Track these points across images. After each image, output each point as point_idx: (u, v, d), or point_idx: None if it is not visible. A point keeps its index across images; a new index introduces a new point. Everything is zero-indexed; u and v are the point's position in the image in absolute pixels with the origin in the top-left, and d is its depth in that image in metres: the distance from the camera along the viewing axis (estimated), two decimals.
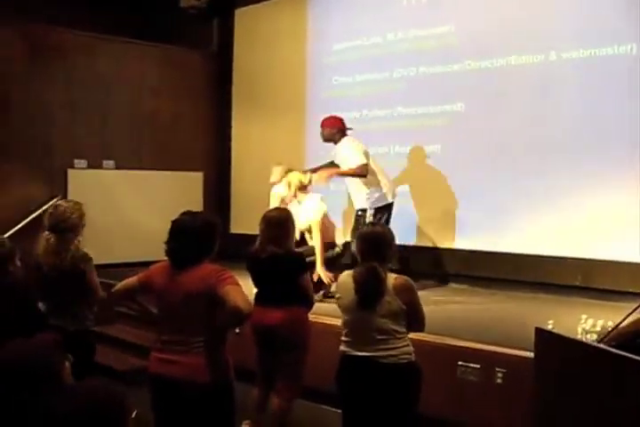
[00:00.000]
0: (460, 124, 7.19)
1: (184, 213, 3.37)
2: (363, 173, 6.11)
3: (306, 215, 5.76)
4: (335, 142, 6.39)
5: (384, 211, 6.30)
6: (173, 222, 3.33)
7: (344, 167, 6.21)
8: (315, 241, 5.77)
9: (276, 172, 6.55)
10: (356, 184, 6.33)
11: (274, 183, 6.56)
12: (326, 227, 5.95)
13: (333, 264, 5.88)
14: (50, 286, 4.14)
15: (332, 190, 6.92)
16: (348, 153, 6.22)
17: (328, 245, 5.93)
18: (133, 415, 1.80)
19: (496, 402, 4.32)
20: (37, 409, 1.81)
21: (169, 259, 3.32)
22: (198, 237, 3.27)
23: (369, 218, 6.23)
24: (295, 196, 5.95)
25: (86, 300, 4.15)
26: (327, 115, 6.72)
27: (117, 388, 1.83)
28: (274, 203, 6.27)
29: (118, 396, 1.79)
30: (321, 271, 5.75)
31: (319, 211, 5.85)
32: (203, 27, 9.68)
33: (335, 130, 6.37)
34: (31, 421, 1.84)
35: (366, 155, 6.19)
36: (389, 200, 6.36)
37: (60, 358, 2.11)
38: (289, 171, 6.34)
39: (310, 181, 6.02)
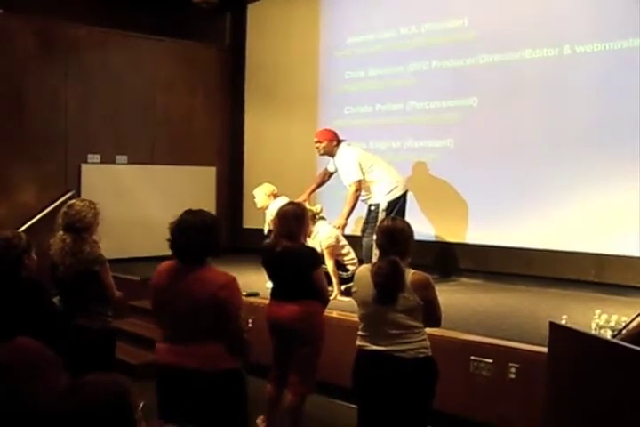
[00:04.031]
0: (473, 119, 7.16)
1: (187, 213, 3.37)
2: (358, 194, 6.31)
3: (319, 243, 5.77)
4: (332, 155, 6.52)
5: (396, 204, 6.34)
6: (178, 222, 3.31)
7: (344, 181, 6.44)
8: (328, 267, 5.77)
9: (259, 196, 6.55)
10: (365, 182, 6.37)
11: (262, 208, 6.58)
12: (339, 250, 5.99)
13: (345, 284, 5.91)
14: (66, 286, 4.17)
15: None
16: (344, 169, 6.42)
17: (341, 267, 5.99)
18: (140, 407, 1.80)
19: (509, 397, 4.31)
20: (31, 410, 1.84)
21: (176, 256, 3.33)
22: (204, 235, 3.27)
23: (381, 213, 6.25)
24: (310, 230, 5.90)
25: (104, 298, 4.18)
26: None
27: (120, 379, 1.83)
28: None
29: (120, 388, 1.77)
30: (340, 299, 5.76)
31: (329, 237, 5.88)
32: (215, 21, 9.69)
33: (334, 142, 6.50)
34: (28, 422, 1.88)
35: (360, 164, 6.33)
36: (400, 193, 6.41)
37: (42, 361, 2.10)
38: (271, 192, 6.46)
39: (321, 210, 6.06)
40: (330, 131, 6.62)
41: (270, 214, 6.17)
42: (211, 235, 3.30)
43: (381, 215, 6.18)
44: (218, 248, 3.35)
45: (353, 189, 6.29)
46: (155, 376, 3.39)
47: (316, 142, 6.53)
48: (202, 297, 3.18)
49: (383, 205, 6.32)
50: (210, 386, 3.20)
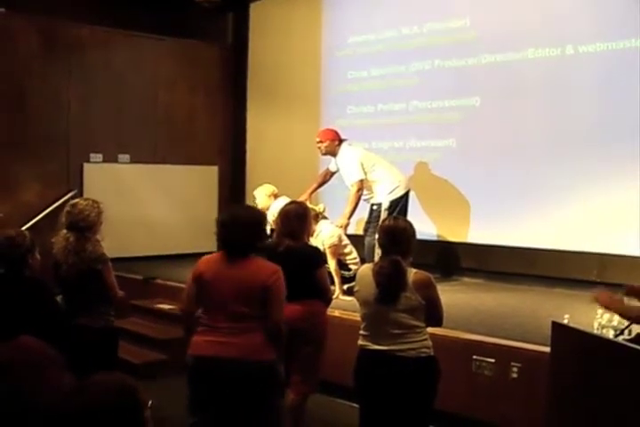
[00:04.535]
0: (475, 119, 7.16)
1: (234, 207, 3.62)
2: (360, 194, 6.33)
3: (322, 242, 5.78)
4: (334, 155, 6.53)
5: (398, 203, 6.35)
6: (227, 216, 3.50)
7: (346, 181, 6.46)
8: (330, 267, 5.78)
9: (260, 197, 6.60)
10: (367, 181, 6.38)
11: (263, 209, 6.57)
12: (342, 249, 6.02)
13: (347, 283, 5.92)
14: (69, 285, 4.17)
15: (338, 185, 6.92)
16: (346, 169, 6.44)
17: (344, 266, 6.03)
18: (149, 405, 1.80)
19: (511, 397, 4.31)
20: (33, 409, 1.85)
21: (225, 248, 3.48)
22: (253, 230, 3.47)
23: (384, 212, 6.26)
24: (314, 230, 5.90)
25: (106, 297, 4.19)
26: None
27: (127, 378, 1.83)
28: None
29: (128, 387, 1.77)
30: (342, 298, 5.76)
31: (331, 237, 5.90)
32: (217, 20, 9.68)
33: (336, 142, 6.51)
34: (30, 422, 1.88)
35: (362, 164, 6.35)
36: (402, 192, 6.42)
37: (44, 360, 2.10)
38: (272, 193, 6.51)
39: (324, 210, 6.08)
40: (332, 130, 6.62)
41: (272, 215, 6.17)
42: (258, 229, 3.51)
43: (383, 215, 6.18)
44: (260, 243, 3.54)
45: (355, 188, 6.30)
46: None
47: (318, 142, 6.54)
48: (253, 285, 3.35)
49: (385, 205, 6.32)
50: (250, 376, 3.29)
